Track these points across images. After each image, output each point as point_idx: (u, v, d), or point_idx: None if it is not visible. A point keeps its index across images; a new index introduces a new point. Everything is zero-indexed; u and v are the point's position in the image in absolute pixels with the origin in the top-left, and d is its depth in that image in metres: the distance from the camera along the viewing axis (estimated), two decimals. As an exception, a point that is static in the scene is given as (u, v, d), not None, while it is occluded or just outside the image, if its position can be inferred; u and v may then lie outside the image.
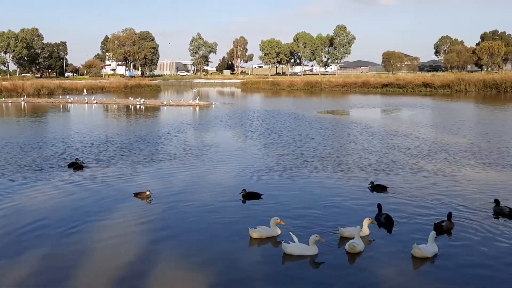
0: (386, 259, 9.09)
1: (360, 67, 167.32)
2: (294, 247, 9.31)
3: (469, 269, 8.56)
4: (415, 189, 13.94)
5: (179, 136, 25.68)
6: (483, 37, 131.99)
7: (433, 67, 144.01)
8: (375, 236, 10.28)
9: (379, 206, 11.33)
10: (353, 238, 9.64)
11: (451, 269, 8.62)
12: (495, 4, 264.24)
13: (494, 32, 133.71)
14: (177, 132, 27.36)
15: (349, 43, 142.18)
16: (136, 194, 13.24)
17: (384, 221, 10.84)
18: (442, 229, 10.32)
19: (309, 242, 9.31)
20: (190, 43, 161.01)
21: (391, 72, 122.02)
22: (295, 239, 9.48)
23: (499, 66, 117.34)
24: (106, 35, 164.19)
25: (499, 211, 11.49)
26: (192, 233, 10.49)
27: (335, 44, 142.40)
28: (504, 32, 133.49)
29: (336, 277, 8.38)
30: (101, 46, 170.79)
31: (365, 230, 10.26)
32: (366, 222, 10.35)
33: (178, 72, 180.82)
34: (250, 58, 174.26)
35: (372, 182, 14.20)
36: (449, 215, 10.73)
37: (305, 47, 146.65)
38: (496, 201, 11.76)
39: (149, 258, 9.19)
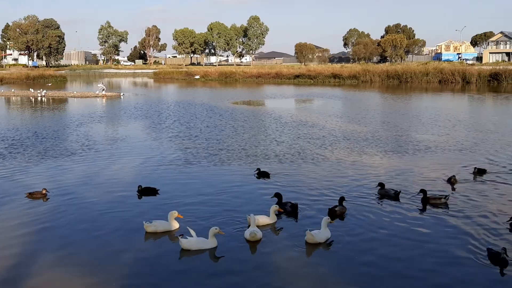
0: (283, 246, 9.18)
1: (274, 58, 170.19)
2: (192, 242, 9.01)
3: (359, 253, 8.81)
4: (316, 177, 14.26)
5: (80, 130, 24.22)
6: (387, 30, 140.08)
7: (342, 59, 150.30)
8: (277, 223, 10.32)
9: (278, 195, 11.32)
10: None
11: (341, 252, 8.85)
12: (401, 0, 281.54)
13: (397, 26, 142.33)
14: (78, 126, 25.81)
15: (262, 34, 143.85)
16: (30, 194, 12.16)
17: (290, 210, 10.94)
18: (335, 213, 10.65)
19: (208, 235, 9.07)
20: (99, 32, 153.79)
21: (303, 63, 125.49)
22: (193, 233, 9.17)
23: (401, 58, 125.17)
24: (7, 23, 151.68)
25: (385, 194, 12.07)
26: (86, 232, 9.92)
27: (249, 35, 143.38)
28: (406, 26, 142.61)
29: (234, 268, 8.27)
30: (1, 35, 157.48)
31: (272, 218, 10.34)
32: (273, 209, 10.40)
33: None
34: (163, 47, 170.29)
35: (258, 169, 14.46)
36: (341, 200, 11.09)
37: (219, 37, 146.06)
38: (381, 184, 12.31)
39: (37, 259, 8.52)
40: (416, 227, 10.04)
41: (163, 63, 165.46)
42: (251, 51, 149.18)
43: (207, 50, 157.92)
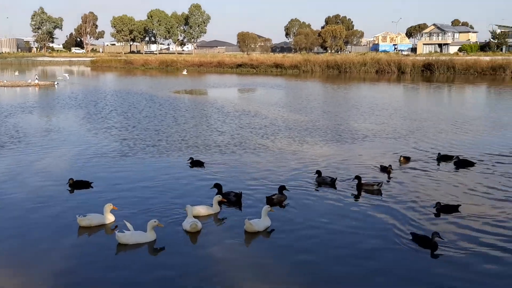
0: (223, 236, 9.11)
1: (216, 47, 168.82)
2: (129, 236, 8.70)
3: (297, 241, 8.87)
4: (256, 166, 14.25)
5: (9, 121, 22.80)
6: (327, 21, 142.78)
7: (284, 49, 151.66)
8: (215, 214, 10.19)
9: (218, 185, 11.18)
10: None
11: (280, 241, 8.86)
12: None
13: (337, 16, 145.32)
14: (7, 117, 24.28)
15: (204, 23, 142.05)
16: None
17: (234, 199, 10.88)
18: (273, 201, 10.71)
19: (147, 228, 8.80)
20: (32, 18, 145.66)
21: (246, 52, 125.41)
22: (130, 226, 8.84)
23: (341, 48, 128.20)
24: None
25: (322, 181, 12.27)
26: (11, 230, 9.32)
27: (191, 23, 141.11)
28: (345, 17, 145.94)
29: (174, 261, 8.10)
30: None
31: (215, 208, 10.25)
32: (216, 200, 10.30)
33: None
34: (101, 35, 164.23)
35: (191, 158, 14.36)
36: (281, 188, 11.13)
37: (159, 25, 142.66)
38: (318, 172, 12.50)
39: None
40: (352, 213, 10.26)
41: (101, 51, 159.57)
42: (192, 40, 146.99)
43: (147, 38, 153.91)
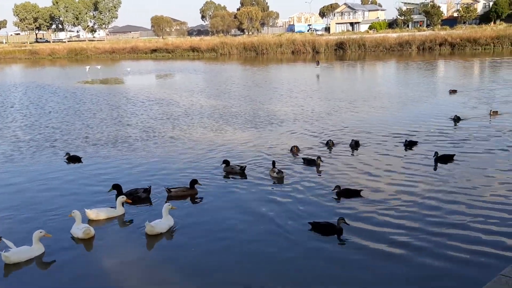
0: (124, 241, 8.49)
1: (130, 32, 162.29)
2: (13, 254, 7.67)
3: (201, 238, 8.34)
4: (165, 159, 13.56)
5: None
6: (243, 2, 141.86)
7: (201, 32, 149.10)
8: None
9: (117, 186, 10.33)
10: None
11: (185, 240, 8.32)
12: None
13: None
14: None
15: (115, 7, 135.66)
16: None
17: (144, 195, 10.31)
18: (172, 197, 10.24)
19: (32, 241, 7.83)
20: None
21: (161, 37, 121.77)
22: (11, 244, 7.80)
23: (258, 30, 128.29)
24: None
25: (230, 171, 11.82)
26: None
27: (100, 8, 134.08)
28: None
29: (67, 273, 7.36)
30: None
31: (120, 210, 9.53)
32: (120, 201, 9.58)
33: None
34: (3, 24, 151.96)
35: (67, 154, 13.62)
36: (192, 182, 10.59)
37: (67, 11, 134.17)
38: (226, 162, 12.04)
39: None
40: (258, 204, 9.79)
41: (4, 42, 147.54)
42: (103, 26, 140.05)
43: (54, 26, 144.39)
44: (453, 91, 24.40)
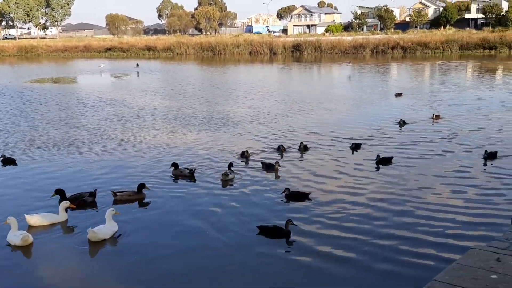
0: (62, 249, 8.11)
1: (84, 30, 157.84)
2: None
3: (146, 246, 8.11)
4: (116, 164, 13.15)
5: None
6: (200, 2, 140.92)
7: (158, 31, 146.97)
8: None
9: (60, 191, 9.96)
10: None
11: (128, 247, 8.08)
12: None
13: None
14: None
15: (68, 4, 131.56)
16: None
17: (90, 199, 9.98)
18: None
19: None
20: None
21: (116, 35, 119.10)
22: None
23: (215, 30, 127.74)
24: None
25: (179, 174, 11.63)
26: None
27: (53, 5, 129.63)
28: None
29: (2, 282, 6.90)
30: None
31: (63, 216, 9.12)
32: (62, 206, 9.18)
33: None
34: None
35: (3, 155, 13.15)
36: (140, 187, 10.31)
37: (17, 7, 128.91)
38: (175, 165, 11.82)
39: None
40: (205, 208, 9.62)
41: None
42: (56, 23, 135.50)
43: (4, 23, 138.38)
44: (398, 94, 24.95)
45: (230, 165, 11.69)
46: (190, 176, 11.51)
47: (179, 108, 22.30)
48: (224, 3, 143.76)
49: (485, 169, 11.82)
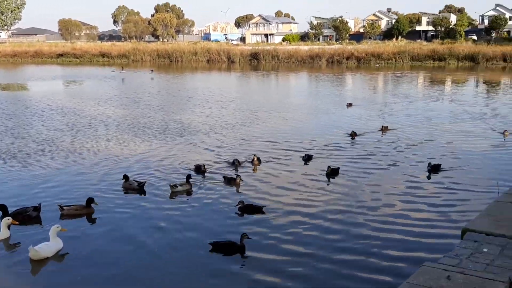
0: (3, 267, 7.59)
1: (35, 35, 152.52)
2: None
3: (94, 264, 7.73)
4: (62, 177, 12.57)
5: None
6: (157, 9, 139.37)
7: (113, 37, 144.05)
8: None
9: (2, 207, 9.38)
10: None
11: (74, 266, 7.66)
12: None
13: (166, 5, 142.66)
14: None
15: (18, 8, 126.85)
16: None
17: (35, 215, 9.49)
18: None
19: None
20: None
21: (69, 41, 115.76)
22: None
23: (172, 37, 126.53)
24: None
25: (129, 187, 11.26)
26: None
27: (2, 8, 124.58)
28: (175, 5, 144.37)
29: None
30: None
31: (5, 233, 8.59)
32: (4, 223, 8.64)
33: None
34: None
35: None
36: (88, 201, 9.87)
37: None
38: (125, 177, 11.45)
39: None
40: (161, 221, 9.36)
41: None
42: (5, 27, 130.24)
43: None
44: (349, 105, 25.20)
45: (189, 177, 11.37)
46: (138, 189, 11.10)
47: (134, 117, 21.72)
48: (182, 11, 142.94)
49: (433, 181, 11.97)
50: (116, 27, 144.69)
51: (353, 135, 17.09)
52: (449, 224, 9.15)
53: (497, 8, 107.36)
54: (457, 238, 7.54)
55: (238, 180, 11.57)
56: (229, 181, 11.71)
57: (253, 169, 13.03)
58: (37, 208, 9.59)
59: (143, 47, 74.60)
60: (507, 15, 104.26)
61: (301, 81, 43.85)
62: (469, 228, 5.46)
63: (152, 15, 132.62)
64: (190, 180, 11.34)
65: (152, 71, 49.34)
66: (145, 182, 11.37)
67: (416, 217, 9.55)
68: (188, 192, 11.06)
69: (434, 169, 12.57)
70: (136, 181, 11.32)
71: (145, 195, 10.97)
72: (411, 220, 9.37)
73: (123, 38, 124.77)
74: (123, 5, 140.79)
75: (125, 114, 22.66)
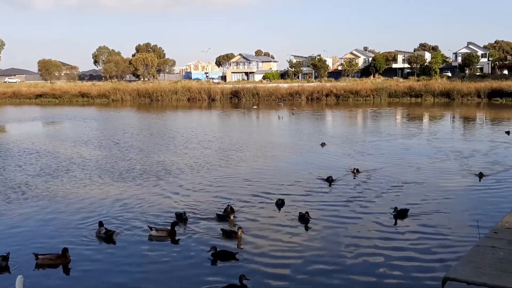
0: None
1: (15, 75, 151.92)
2: None
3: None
4: (33, 220, 12.13)
5: None
6: (138, 49, 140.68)
7: (94, 76, 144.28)
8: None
9: None
10: None
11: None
12: (149, 19, 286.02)
13: (147, 45, 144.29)
14: None
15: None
16: None
17: (4, 264, 9.19)
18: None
19: None
20: None
21: (49, 81, 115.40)
22: None
23: (154, 76, 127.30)
24: None
25: (98, 234, 10.89)
26: None
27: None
28: (156, 45, 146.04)
29: None
30: None
31: None
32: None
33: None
34: None
35: None
36: (64, 250, 9.48)
37: None
38: (100, 223, 11.12)
39: None
40: (133, 271, 9.03)
41: None
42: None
43: None
44: (323, 144, 24.67)
45: (174, 224, 11.04)
46: (105, 238, 10.67)
47: (114, 160, 21.34)
48: (163, 50, 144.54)
49: (409, 228, 11.39)
50: (97, 67, 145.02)
51: (330, 181, 16.20)
52: (429, 274, 8.83)
53: (469, 46, 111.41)
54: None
55: (240, 233, 10.56)
56: (229, 234, 10.75)
57: (230, 222, 12.04)
58: (5, 258, 9.24)
59: (123, 86, 74.64)
60: (479, 52, 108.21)
61: (281, 119, 44.15)
62: (450, 277, 5.33)
63: (133, 55, 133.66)
64: (178, 226, 11.09)
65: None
66: (114, 231, 10.93)
67: (394, 266, 9.23)
68: (168, 239, 10.74)
69: (401, 214, 12.05)
70: (106, 229, 10.93)
71: (114, 244, 10.58)
72: (388, 270, 9.04)
73: (103, 78, 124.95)
74: (104, 45, 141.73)
75: (104, 156, 22.31)
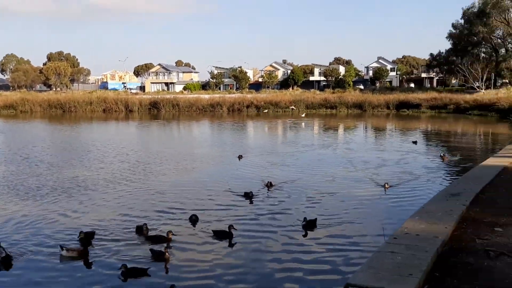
0: None
1: None
2: None
3: None
4: None
5: None
6: (50, 57, 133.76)
7: (1, 86, 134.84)
8: None
9: None
10: None
11: None
12: (62, 27, 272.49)
13: (60, 53, 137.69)
14: None
15: None
16: None
17: None
18: None
19: None
20: None
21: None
22: None
23: (67, 86, 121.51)
24: None
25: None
26: None
27: None
28: (69, 54, 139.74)
29: None
30: None
31: None
32: None
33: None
34: None
35: None
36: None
37: None
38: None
39: None
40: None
41: None
42: None
43: None
44: (240, 157, 24.44)
45: (88, 244, 10.56)
46: (1, 262, 9.84)
47: (22, 176, 19.80)
48: (77, 59, 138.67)
49: (316, 239, 11.42)
50: (4, 76, 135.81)
51: (250, 196, 15.72)
52: (337, 282, 8.87)
53: (379, 60, 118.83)
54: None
55: (167, 255, 10.19)
56: (158, 255, 10.25)
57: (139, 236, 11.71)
58: None
59: (32, 96, 70.53)
60: (388, 66, 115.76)
61: (203, 130, 44.02)
62: (351, 283, 5.60)
63: (45, 64, 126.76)
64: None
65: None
66: (6, 255, 10.01)
67: (296, 278, 9.28)
68: (80, 259, 10.21)
69: (310, 224, 12.11)
70: (5, 251, 10.07)
71: (10, 268, 9.81)
72: (293, 283, 9.10)
73: (11, 88, 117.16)
74: (11, 53, 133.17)
75: (11, 173, 20.75)
